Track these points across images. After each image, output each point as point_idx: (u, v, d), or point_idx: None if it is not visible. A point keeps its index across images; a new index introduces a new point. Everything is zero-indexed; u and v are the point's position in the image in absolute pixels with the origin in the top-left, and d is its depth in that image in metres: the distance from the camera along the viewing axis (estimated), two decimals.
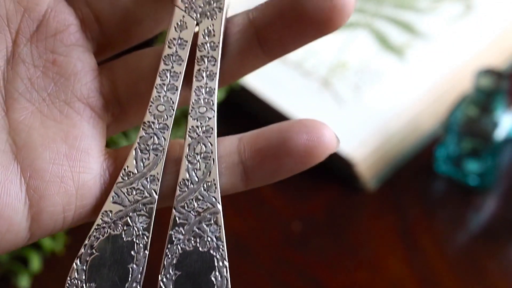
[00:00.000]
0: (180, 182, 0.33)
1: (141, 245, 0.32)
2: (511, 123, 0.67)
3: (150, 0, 0.34)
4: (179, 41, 0.34)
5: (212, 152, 0.33)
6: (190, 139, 0.33)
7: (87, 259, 0.32)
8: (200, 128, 0.33)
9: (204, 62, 0.33)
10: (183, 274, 0.32)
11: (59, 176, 0.33)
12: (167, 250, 0.32)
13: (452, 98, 0.71)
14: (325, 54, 0.75)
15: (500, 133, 0.66)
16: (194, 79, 0.33)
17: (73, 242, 0.64)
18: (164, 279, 0.32)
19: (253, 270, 0.64)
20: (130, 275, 0.32)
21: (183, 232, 0.32)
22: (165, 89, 0.33)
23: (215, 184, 0.33)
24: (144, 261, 0.32)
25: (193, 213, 0.32)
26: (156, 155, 0.33)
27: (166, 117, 0.33)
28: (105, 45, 0.35)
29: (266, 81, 0.72)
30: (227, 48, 0.34)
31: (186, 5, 0.34)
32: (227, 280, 0.32)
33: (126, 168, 0.33)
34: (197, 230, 0.32)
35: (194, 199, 0.33)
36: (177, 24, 0.34)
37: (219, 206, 0.33)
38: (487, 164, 0.68)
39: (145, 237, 0.32)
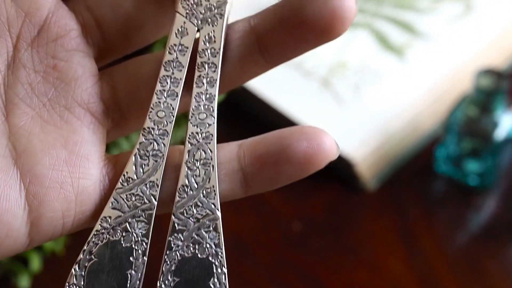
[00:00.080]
0: (180, 189, 0.33)
1: (139, 251, 0.32)
2: (511, 123, 0.67)
3: (151, 6, 0.34)
4: (180, 47, 0.33)
5: (211, 159, 0.33)
6: (189, 145, 0.33)
7: (86, 264, 0.32)
8: (200, 135, 0.33)
9: (205, 69, 0.33)
10: (182, 280, 0.32)
11: (59, 182, 0.32)
12: (165, 257, 0.32)
13: (452, 98, 0.70)
14: (325, 54, 0.75)
15: (500, 133, 0.66)
16: (194, 85, 0.33)
17: (73, 243, 0.64)
18: (163, 286, 0.32)
19: (253, 270, 0.64)
20: (128, 281, 0.32)
21: (182, 239, 0.32)
22: (165, 95, 0.33)
23: (214, 191, 0.33)
24: (143, 267, 0.32)
25: (192, 220, 0.32)
26: (156, 161, 0.33)
27: (166, 123, 0.33)
28: (106, 50, 0.35)
29: (266, 81, 0.72)
30: (228, 54, 0.34)
31: (187, 11, 0.33)
32: (225, 286, 0.32)
33: (126, 174, 0.33)
34: (196, 236, 0.32)
35: (193, 206, 0.33)
36: (178, 30, 0.33)
37: (218, 213, 0.32)
38: (487, 164, 0.68)
39: (144, 243, 0.32)
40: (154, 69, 0.34)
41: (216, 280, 0.32)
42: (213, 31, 0.33)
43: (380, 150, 0.70)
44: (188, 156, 0.33)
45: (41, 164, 0.32)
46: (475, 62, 0.74)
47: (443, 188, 0.70)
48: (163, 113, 0.33)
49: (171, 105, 0.33)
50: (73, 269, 0.32)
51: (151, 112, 0.33)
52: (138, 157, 0.33)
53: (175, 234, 0.32)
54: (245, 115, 0.73)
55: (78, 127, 0.33)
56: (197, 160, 0.33)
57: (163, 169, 0.33)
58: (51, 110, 0.33)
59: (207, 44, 0.33)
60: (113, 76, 0.35)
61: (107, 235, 0.32)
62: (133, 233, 0.32)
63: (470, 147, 0.68)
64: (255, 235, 0.66)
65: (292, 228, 0.67)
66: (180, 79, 0.33)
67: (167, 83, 0.33)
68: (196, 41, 0.34)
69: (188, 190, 0.33)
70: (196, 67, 0.33)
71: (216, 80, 0.33)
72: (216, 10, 0.33)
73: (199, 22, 0.34)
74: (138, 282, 0.32)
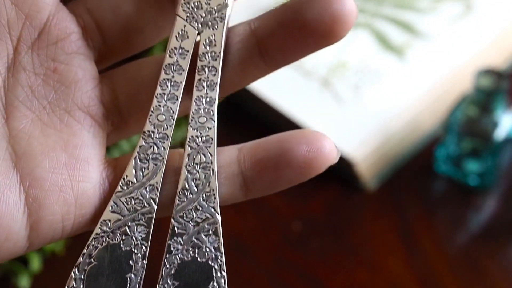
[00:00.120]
0: (179, 192, 0.33)
1: (139, 254, 0.32)
2: (511, 123, 0.67)
3: (152, 9, 0.34)
4: (180, 50, 0.33)
5: (211, 162, 0.33)
6: (189, 149, 0.33)
7: (85, 268, 0.32)
8: (200, 138, 0.33)
9: (205, 72, 0.33)
10: (181, 284, 0.32)
11: (59, 185, 0.33)
12: (165, 260, 0.32)
13: (452, 98, 0.70)
14: (325, 54, 0.75)
15: (500, 133, 0.66)
16: (194, 88, 0.33)
17: (73, 243, 0.64)
18: None
19: (253, 270, 0.64)
20: (128, 285, 0.32)
21: (182, 242, 0.32)
22: (166, 99, 0.33)
23: (214, 195, 0.33)
24: (142, 271, 0.32)
25: (191, 223, 0.32)
26: (156, 164, 0.33)
27: (166, 126, 0.33)
28: (106, 53, 0.35)
29: (266, 81, 0.71)
30: (228, 57, 0.34)
31: (188, 15, 0.33)
32: None
33: (126, 178, 0.33)
34: (195, 240, 0.32)
35: (193, 209, 0.33)
36: (178, 33, 0.33)
37: (218, 217, 0.32)
38: (487, 164, 0.68)
39: (144, 247, 0.32)
40: (154, 72, 0.34)
41: (215, 284, 0.32)
42: (214, 34, 0.33)
43: (380, 150, 0.70)
44: (188, 159, 0.33)
45: (41, 167, 0.33)
46: (475, 62, 0.74)
47: (443, 188, 0.70)
48: (163, 116, 0.33)
49: (171, 108, 0.33)
50: (72, 273, 0.32)
51: (151, 115, 0.33)
52: (138, 160, 0.33)
53: (175, 238, 0.32)
54: (245, 115, 0.73)
55: (78, 130, 0.33)
56: (197, 164, 0.33)
57: (163, 172, 0.33)
58: (51, 113, 0.33)
59: (208, 47, 0.33)
60: (114, 79, 0.35)
61: (107, 239, 0.32)
62: (133, 237, 0.32)
63: (470, 147, 0.68)
64: (255, 235, 0.66)
65: (292, 228, 0.67)
66: (180, 82, 0.33)
67: (167, 86, 0.33)
68: (197, 45, 0.33)
69: (188, 193, 0.33)
70: (197, 71, 0.33)
71: (217, 83, 0.33)
72: (216, 14, 0.33)
73: (200, 25, 0.33)
74: (137, 285, 0.32)
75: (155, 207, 0.33)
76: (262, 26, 0.33)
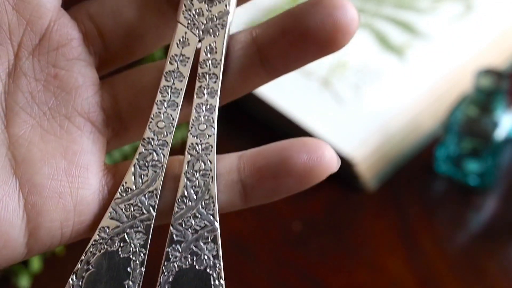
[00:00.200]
0: (178, 199, 0.33)
1: (137, 262, 0.32)
2: (511, 123, 0.67)
3: (153, 16, 0.34)
4: (181, 57, 0.33)
5: (211, 170, 0.33)
6: (189, 156, 0.33)
7: (83, 274, 0.32)
8: (199, 146, 0.33)
9: (206, 79, 0.33)
10: None
11: (58, 191, 0.32)
12: (163, 268, 0.32)
13: (452, 98, 0.70)
14: None
15: (500, 133, 0.66)
16: (195, 95, 0.33)
17: (73, 243, 0.64)
18: None
19: (253, 270, 0.64)
20: None
21: (180, 250, 0.32)
22: (166, 106, 0.33)
23: (213, 202, 0.32)
24: (140, 278, 0.32)
25: (190, 231, 0.32)
26: (155, 171, 0.33)
27: (166, 133, 0.33)
28: (107, 59, 0.35)
29: None
30: (229, 65, 0.34)
31: (189, 21, 0.33)
32: None
33: (125, 184, 0.33)
34: (194, 248, 0.32)
35: (191, 217, 0.32)
36: (179, 40, 0.33)
37: (217, 224, 0.32)
38: (487, 164, 0.68)
39: (142, 254, 0.32)
40: (155, 79, 0.34)
41: None
42: (215, 41, 0.33)
43: (380, 150, 0.70)
44: (188, 166, 0.33)
45: (40, 174, 0.32)
46: (475, 62, 0.74)
47: (443, 188, 0.70)
48: (163, 123, 0.33)
49: (171, 115, 0.33)
50: (70, 279, 0.32)
51: (151, 122, 0.33)
52: (138, 167, 0.33)
53: (173, 245, 0.32)
54: (245, 115, 0.73)
55: (78, 136, 0.33)
56: (196, 171, 0.33)
57: (162, 179, 0.33)
58: (51, 119, 0.33)
59: (208, 54, 0.33)
60: (114, 86, 0.34)
61: (105, 245, 0.32)
62: (131, 244, 0.32)
63: (470, 147, 0.68)
64: (255, 235, 0.66)
65: (292, 228, 0.67)
66: (181, 89, 0.33)
67: (168, 93, 0.33)
68: (198, 52, 0.33)
69: (187, 201, 0.32)
70: (197, 78, 0.33)
71: (217, 91, 0.33)
72: (217, 21, 0.33)
73: (201, 32, 0.33)
74: None
75: (154, 214, 0.33)
76: (263, 34, 0.33)
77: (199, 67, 0.33)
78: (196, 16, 0.33)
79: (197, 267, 0.32)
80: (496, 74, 0.65)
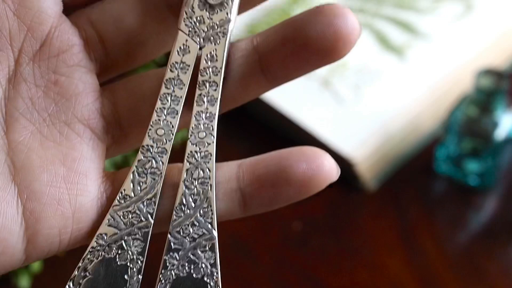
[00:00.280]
0: (177, 207, 0.32)
1: (134, 269, 0.32)
2: (511, 123, 0.67)
3: (154, 23, 0.34)
4: (181, 65, 0.33)
5: (209, 178, 0.33)
6: (188, 164, 0.33)
7: (80, 281, 0.32)
8: (199, 154, 0.33)
9: (206, 87, 0.33)
10: None
11: (56, 198, 0.32)
12: (160, 275, 0.32)
13: (452, 98, 0.70)
14: None
15: (500, 133, 0.66)
16: (194, 103, 0.33)
17: None
18: None
19: (253, 270, 0.64)
20: None
21: (178, 258, 0.32)
22: (165, 113, 0.33)
23: (211, 210, 0.32)
24: (137, 285, 0.32)
25: (188, 239, 0.32)
26: (154, 179, 0.33)
27: (165, 141, 0.33)
28: (108, 66, 0.34)
29: None
30: (230, 73, 0.34)
31: (190, 29, 0.33)
32: None
33: (123, 191, 0.33)
34: (191, 256, 0.32)
35: (190, 225, 0.32)
36: (180, 48, 0.33)
37: (215, 233, 0.32)
38: (487, 164, 0.68)
39: (139, 262, 0.32)
40: (155, 86, 0.34)
41: None
42: (215, 49, 0.33)
43: (380, 150, 0.70)
44: (186, 174, 0.33)
45: (39, 181, 0.32)
46: (475, 62, 0.74)
47: (443, 188, 0.70)
48: (163, 131, 0.33)
49: (170, 123, 0.33)
50: (67, 286, 0.32)
51: (150, 129, 0.33)
52: (136, 174, 0.33)
53: (171, 253, 0.32)
54: (245, 116, 0.73)
55: (77, 143, 0.33)
56: (195, 179, 0.33)
57: (161, 187, 0.33)
58: (51, 125, 0.33)
59: (209, 62, 0.33)
60: (114, 92, 0.34)
61: (103, 252, 0.32)
62: (129, 251, 0.32)
63: (470, 147, 0.68)
64: (255, 235, 0.66)
65: (292, 228, 0.67)
66: (181, 97, 0.33)
67: (168, 101, 0.33)
68: (198, 59, 0.33)
69: (185, 209, 0.32)
70: (197, 86, 0.33)
71: (217, 99, 0.33)
72: (218, 29, 0.33)
73: (202, 40, 0.33)
74: None
75: (152, 221, 0.33)
76: (264, 42, 0.33)
77: (199, 75, 0.33)
78: (197, 24, 0.33)
79: (194, 275, 0.32)
80: (496, 74, 0.65)
